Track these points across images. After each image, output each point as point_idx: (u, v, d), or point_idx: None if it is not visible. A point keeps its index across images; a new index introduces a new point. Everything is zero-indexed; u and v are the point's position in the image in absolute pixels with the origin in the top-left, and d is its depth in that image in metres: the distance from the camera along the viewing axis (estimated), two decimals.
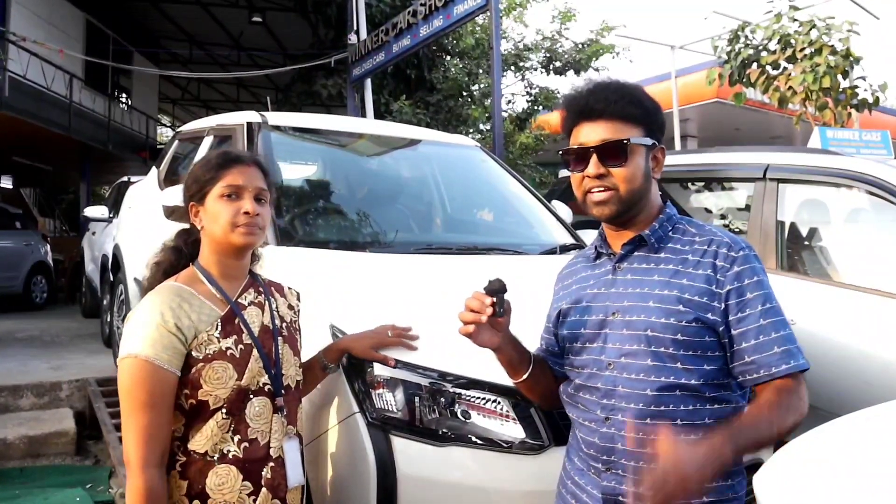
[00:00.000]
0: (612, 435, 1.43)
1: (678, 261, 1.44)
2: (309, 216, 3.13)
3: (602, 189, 1.44)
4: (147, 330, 1.53)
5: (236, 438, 1.59)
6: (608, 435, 1.44)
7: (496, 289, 1.45)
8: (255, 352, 1.63)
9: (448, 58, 11.98)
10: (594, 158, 1.44)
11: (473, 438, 1.85)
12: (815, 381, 2.87)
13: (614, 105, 1.44)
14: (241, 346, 1.62)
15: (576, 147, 1.47)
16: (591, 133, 1.45)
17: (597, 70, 12.49)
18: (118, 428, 4.02)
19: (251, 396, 1.61)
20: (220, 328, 1.61)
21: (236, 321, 1.64)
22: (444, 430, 1.85)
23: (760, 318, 1.36)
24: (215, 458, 1.57)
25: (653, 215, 1.50)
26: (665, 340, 1.38)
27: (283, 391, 1.67)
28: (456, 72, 11.50)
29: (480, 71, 11.71)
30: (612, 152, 1.43)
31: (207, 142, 3.77)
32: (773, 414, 1.30)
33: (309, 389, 1.90)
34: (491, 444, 1.84)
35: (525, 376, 1.60)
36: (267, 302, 1.73)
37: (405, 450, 1.84)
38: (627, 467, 1.41)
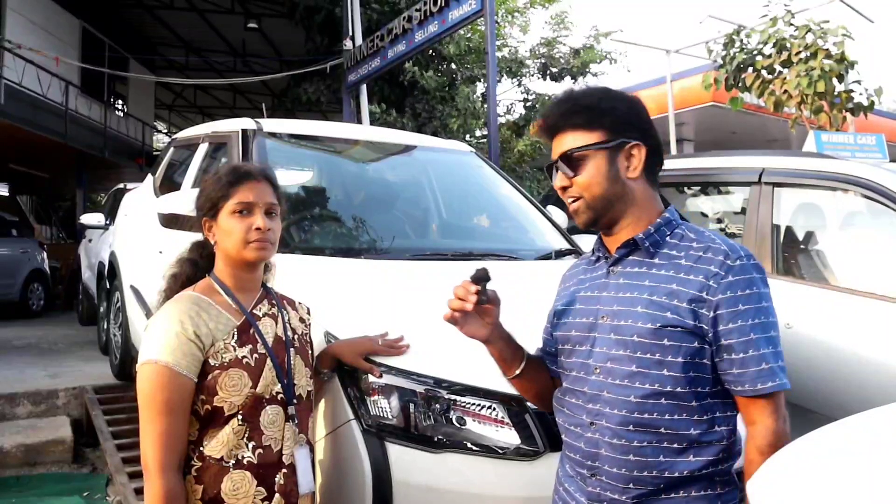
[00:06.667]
0: (597, 440, 1.42)
1: (671, 266, 1.41)
2: (304, 223, 3.13)
3: (572, 199, 1.48)
4: (167, 337, 1.58)
5: (251, 445, 1.62)
6: (593, 440, 1.43)
7: (480, 276, 1.49)
8: (269, 361, 1.68)
9: (435, 62, 11.83)
10: (558, 172, 1.49)
11: (469, 445, 1.85)
12: (811, 384, 2.89)
13: (563, 118, 1.49)
14: (256, 355, 1.66)
15: (549, 163, 1.53)
16: (556, 147, 1.51)
17: (594, 75, 12.46)
18: (115, 436, 4.02)
19: (265, 404, 1.65)
20: (236, 337, 1.65)
21: (251, 331, 1.69)
22: (440, 437, 1.85)
23: (751, 331, 1.33)
24: (231, 463, 1.60)
25: (646, 218, 1.47)
26: (651, 346, 1.37)
27: (294, 400, 1.71)
28: (435, 78, 11.18)
29: (459, 78, 11.55)
30: (567, 164, 1.47)
31: (203, 149, 3.77)
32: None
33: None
34: (486, 450, 1.84)
35: (517, 372, 1.59)
36: (280, 314, 1.78)
37: (400, 457, 1.84)
38: (612, 474, 1.39)
